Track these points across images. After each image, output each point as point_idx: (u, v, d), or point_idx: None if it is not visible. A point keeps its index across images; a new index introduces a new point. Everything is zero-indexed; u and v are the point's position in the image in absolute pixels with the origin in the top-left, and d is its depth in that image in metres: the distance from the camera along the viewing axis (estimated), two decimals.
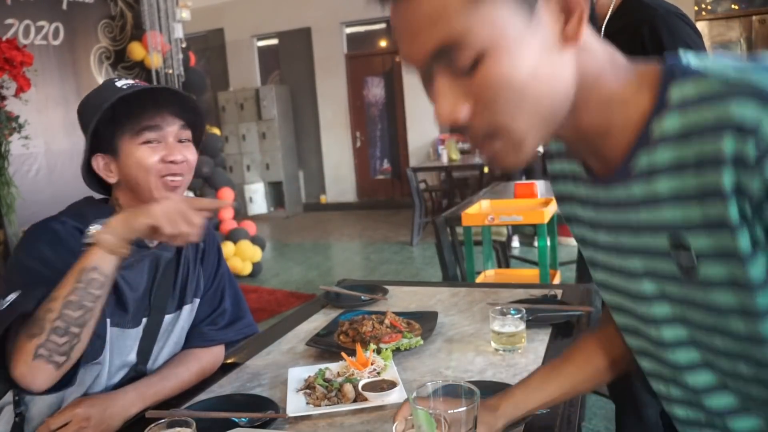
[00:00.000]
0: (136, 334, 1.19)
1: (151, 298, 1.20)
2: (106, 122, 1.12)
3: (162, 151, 1.14)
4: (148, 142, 1.14)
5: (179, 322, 1.26)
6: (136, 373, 1.21)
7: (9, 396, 1.19)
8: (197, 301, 1.29)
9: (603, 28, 1.34)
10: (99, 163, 1.15)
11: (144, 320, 1.19)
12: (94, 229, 1.04)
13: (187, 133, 1.19)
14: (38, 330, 0.99)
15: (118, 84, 1.15)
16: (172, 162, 1.14)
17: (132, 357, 1.19)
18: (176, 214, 1.02)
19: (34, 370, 0.99)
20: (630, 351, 0.82)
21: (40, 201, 4.03)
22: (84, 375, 1.13)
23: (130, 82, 1.17)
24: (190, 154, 1.18)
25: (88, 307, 1.01)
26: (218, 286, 1.33)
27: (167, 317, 1.23)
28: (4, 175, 3.32)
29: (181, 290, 1.25)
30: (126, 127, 1.13)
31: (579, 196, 0.79)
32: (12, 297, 1.02)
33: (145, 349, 1.21)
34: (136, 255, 1.13)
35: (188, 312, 1.27)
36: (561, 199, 0.86)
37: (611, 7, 1.36)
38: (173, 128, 1.16)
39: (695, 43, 1.24)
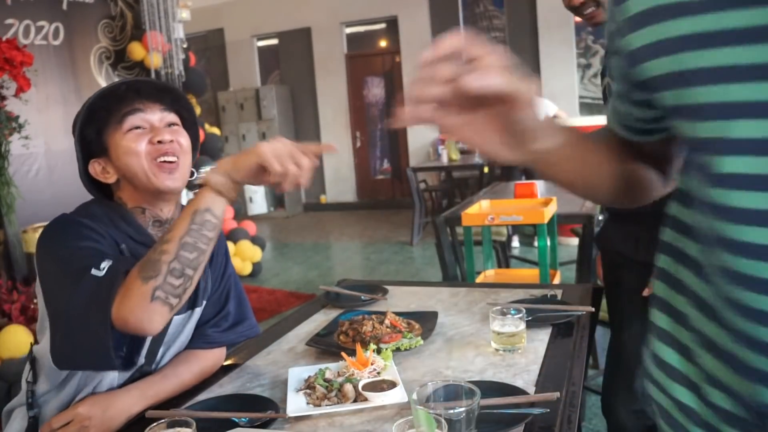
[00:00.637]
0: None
1: None
2: (91, 125, 1.14)
3: (149, 135, 1.13)
4: (134, 128, 1.13)
5: (189, 324, 1.26)
6: (141, 374, 1.20)
7: (22, 397, 1.19)
8: (205, 303, 1.29)
9: None
10: (96, 168, 1.16)
11: None
12: (204, 171, 1.04)
13: (174, 117, 1.19)
14: (154, 272, 0.99)
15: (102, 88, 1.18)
16: (160, 142, 1.13)
17: (141, 359, 1.19)
18: (285, 154, 1.01)
19: (152, 312, 0.99)
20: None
21: (41, 201, 4.03)
22: (93, 377, 1.14)
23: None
24: (180, 137, 1.17)
25: (202, 249, 1.02)
26: (224, 289, 1.33)
27: (177, 318, 1.22)
28: (4, 175, 3.32)
29: (193, 291, 1.25)
30: (109, 120, 1.14)
31: None
32: (106, 264, 1.01)
33: (154, 350, 1.21)
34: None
35: (198, 314, 1.27)
36: None
37: None
38: (156, 113, 1.16)
39: None
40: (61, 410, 1.14)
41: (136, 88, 1.15)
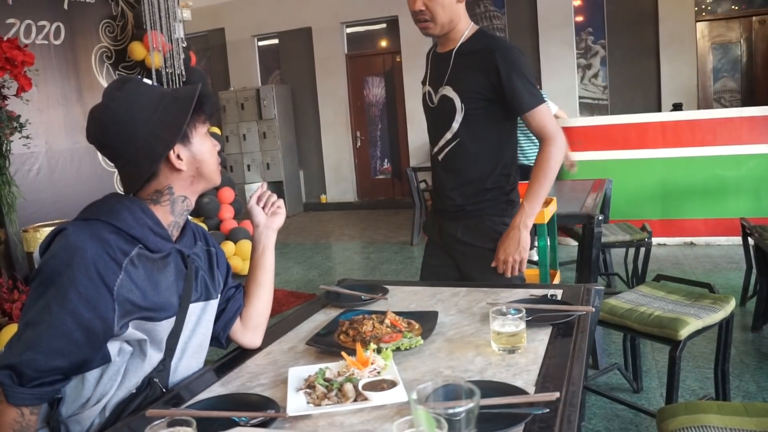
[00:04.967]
0: (170, 324, 1.23)
1: (182, 290, 1.25)
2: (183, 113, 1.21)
3: (213, 141, 1.29)
4: (208, 131, 1.28)
5: (205, 316, 1.32)
6: (163, 368, 1.24)
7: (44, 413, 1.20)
8: (218, 298, 1.38)
9: (459, 45, 1.90)
10: (173, 152, 1.21)
11: (175, 311, 1.24)
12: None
13: None
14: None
15: (148, 82, 1.26)
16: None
17: (160, 355, 1.23)
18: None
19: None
20: None
21: (41, 200, 4.03)
22: (131, 364, 1.20)
23: (148, 81, 1.30)
24: None
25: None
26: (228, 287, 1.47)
27: (194, 308, 1.28)
28: (5, 174, 3.32)
29: (204, 283, 1.32)
30: (196, 115, 1.23)
31: None
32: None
33: (172, 345, 1.25)
34: (164, 247, 1.21)
35: (214, 306, 1.35)
36: None
37: (467, 33, 1.91)
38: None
39: (527, 65, 1.87)
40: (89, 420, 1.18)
41: (208, 94, 1.26)
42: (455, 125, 1.90)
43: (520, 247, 1.86)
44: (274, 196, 1.52)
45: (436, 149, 2.00)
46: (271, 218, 1.50)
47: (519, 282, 1.94)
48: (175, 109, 1.20)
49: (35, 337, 1.07)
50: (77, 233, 1.12)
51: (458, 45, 1.90)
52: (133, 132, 1.17)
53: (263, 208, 1.49)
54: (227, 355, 1.41)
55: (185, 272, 1.27)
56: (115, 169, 1.26)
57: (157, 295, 1.18)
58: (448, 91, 1.91)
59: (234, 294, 1.45)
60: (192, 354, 1.31)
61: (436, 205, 2.09)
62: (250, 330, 1.43)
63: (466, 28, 1.91)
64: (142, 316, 1.16)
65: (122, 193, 1.26)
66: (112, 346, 1.15)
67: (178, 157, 1.22)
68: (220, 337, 1.41)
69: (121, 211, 1.18)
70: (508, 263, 1.87)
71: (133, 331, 1.16)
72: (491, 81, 1.82)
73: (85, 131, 1.22)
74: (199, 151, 1.25)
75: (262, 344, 1.44)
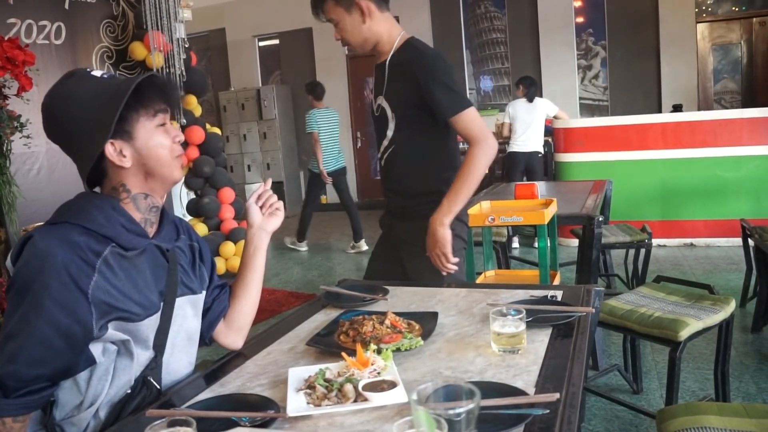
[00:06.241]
0: (154, 322, 1.22)
1: (163, 286, 1.24)
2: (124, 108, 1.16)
3: (171, 133, 1.23)
4: (162, 124, 1.22)
5: (192, 309, 1.31)
6: (156, 365, 1.23)
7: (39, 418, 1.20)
8: (204, 293, 1.36)
9: (389, 56, 1.98)
10: (111, 150, 1.17)
11: (160, 306, 1.22)
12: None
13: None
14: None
15: (97, 74, 1.20)
16: (179, 142, 1.25)
17: (150, 352, 1.22)
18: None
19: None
20: None
21: (41, 200, 4.03)
22: (119, 363, 1.18)
23: (99, 72, 1.21)
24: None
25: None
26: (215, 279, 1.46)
27: (180, 301, 1.26)
28: (5, 173, 3.32)
29: (188, 278, 1.31)
30: (139, 109, 1.18)
31: None
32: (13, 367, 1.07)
33: (161, 341, 1.23)
34: (139, 244, 1.19)
35: (199, 299, 1.34)
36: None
37: (396, 44, 1.97)
38: (168, 112, 1.24)
39: (447, 72, 1.89)
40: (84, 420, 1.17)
41: (162, 84, 1.22)
42: (389, 133, 2.01)
43: (438, 244, 1.92)
44: (274, 197, 1.48)
45: (379, 155, 2.12)
46: (266, 219, 1.46)
47: (460, 281, 2.01)
48: (109, 104, 1.14)
49: (15, 349, 1.06)
50: (45, 239, 1.10)
51: (389, 57, 1.99)
52: (69, 130, 1.16)
53: (261, 207, 1.46)
54: (227, 355, 1.41)
55: (167, 266, 1.25)
56: None
57: (136, 293, 1.16)
58: (382, 102, 2.02)
59: (218, 295, 1.43)
60: (182, 348, 1.29)
61: (386, 205, 2.21)
62: (233, 331, 1.43)
63: (393, 40, 1.99)
64: (121, 317, 1.14)
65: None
66: (95, 348, 1.13)
67: (121, 153, 1.18)
68: (204, 336, 1.40)
69: (91, 210, 1.16)
70: (433, 259, 1.95)
71: (113, 332, 1.14)
72: (416, 90, 1.90)
73: None
74: (145, 146, 1.19)
75: (262, 344, 1.44)
